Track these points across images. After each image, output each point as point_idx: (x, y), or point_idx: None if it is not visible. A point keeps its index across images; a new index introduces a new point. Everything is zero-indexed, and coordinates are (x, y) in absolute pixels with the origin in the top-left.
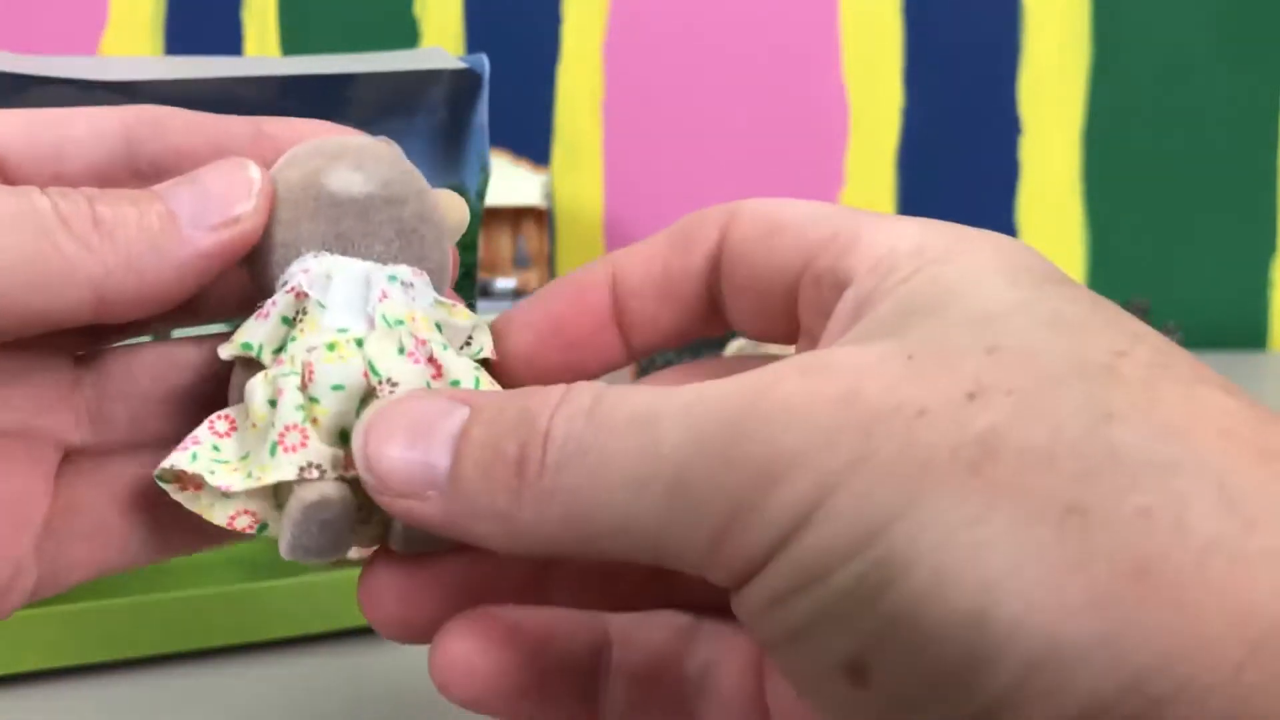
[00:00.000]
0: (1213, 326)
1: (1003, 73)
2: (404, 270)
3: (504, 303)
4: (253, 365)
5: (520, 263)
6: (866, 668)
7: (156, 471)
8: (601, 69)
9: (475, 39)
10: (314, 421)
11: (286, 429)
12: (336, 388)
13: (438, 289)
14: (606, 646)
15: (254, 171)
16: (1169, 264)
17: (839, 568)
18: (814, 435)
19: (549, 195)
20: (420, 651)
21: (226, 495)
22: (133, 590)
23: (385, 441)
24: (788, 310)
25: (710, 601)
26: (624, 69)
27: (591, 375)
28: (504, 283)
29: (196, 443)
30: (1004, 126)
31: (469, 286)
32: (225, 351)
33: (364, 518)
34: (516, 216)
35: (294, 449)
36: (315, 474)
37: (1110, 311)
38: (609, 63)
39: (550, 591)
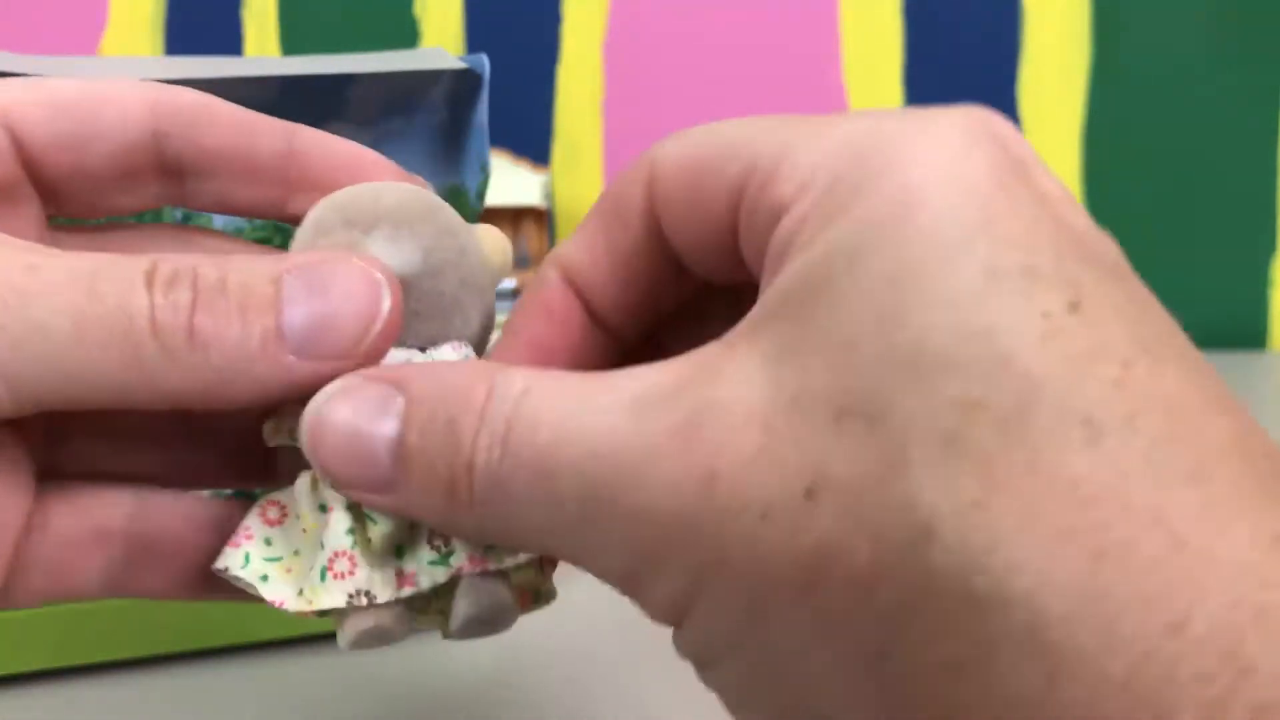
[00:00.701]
0: (1213, 326)
1: (1003, 73)
2: (446, 351)
3: (504, 302)
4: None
5: (520, 263)
6: None
7: (214, 569)
8: (601, 69)
9: (475, 39)
10: (366, 542)
11: (335, 555)
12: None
13: (480, 348)
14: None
15: (386, 300)
16: (1169, 264)
17: (720, 663)
18: (683, 528)
19: (549, 195)
20: (420, 652)
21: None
22: None
23: (331, 455)
24: (729, 244)
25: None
26: (624, 69)
27: (611, 367)
28: (504, 283)
29: (250, 537)
30: None
31: None
32: (272, 440)
33: (421, 607)
34: (516, 216)
35: (343, 576)
36: (364, 600)
37: (1046, 246)
38: (609, 63)
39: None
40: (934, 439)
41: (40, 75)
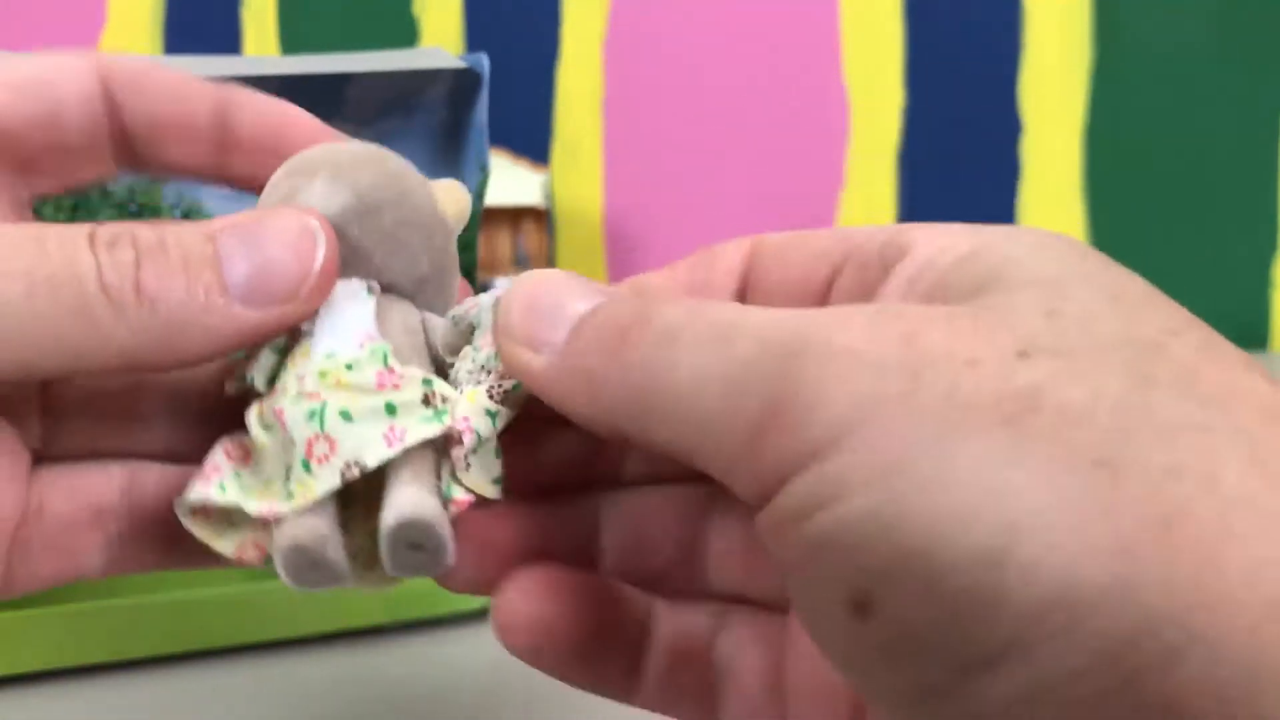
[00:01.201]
0: (1213, 327)
1: (1003, 73)
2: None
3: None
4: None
5: (520, 262)
6: (871, 600)
7: (178, 501)
8: (601, 69)
9: (475, 39)
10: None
11: (310, 441)
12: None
13: (437, 291)
14: (650, 623)
15: (321, 245)
16: (1169, 264)
17: (861, 492)
18: (866, 366)
19: (549, 195)
20: (420, 651)
21: (233, 525)
22: (133, 590)
23: (527, 302)
24: (818, 301)
25: (737, 589)
26: (624, 69)
27: None
28: (503, 282)
29: (219, 471)
30: (1004, 126)
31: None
32: (231, 389)
33: (354, 551)
34: (516, 216)
35: (325, 459)
36: (355, 471)
37: (1163, 298)
38: (609, 63)
39: (598, 561)
40: (1153, 335)
41: None
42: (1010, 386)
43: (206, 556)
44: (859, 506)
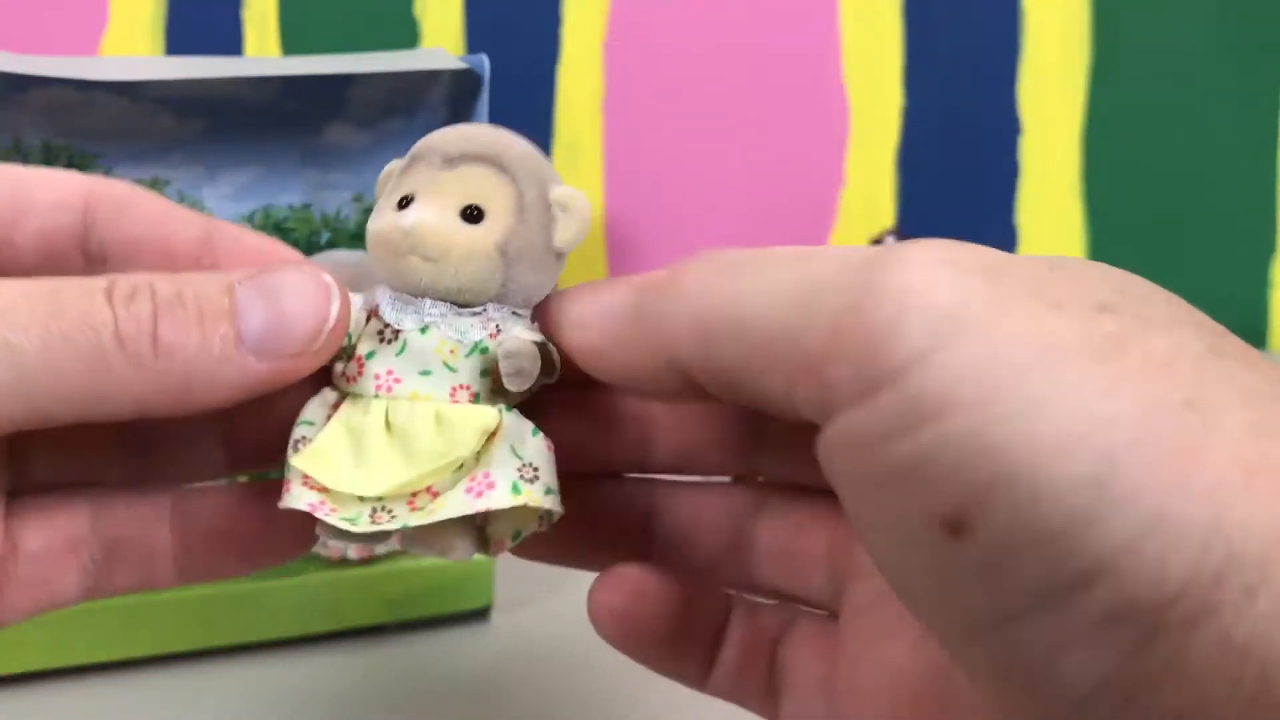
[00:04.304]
0: None
1: (1003, 73)
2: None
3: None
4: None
5: None
6: (968, 520)
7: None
8: (601, 69)
9: (475, 39)
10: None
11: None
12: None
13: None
14: (729, 619)
15: (335, 301)
16: (1169, 264)
17: (959, 412)
18: (955, 289)
19: None
20: (419, 651)
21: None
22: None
23: (573, 295)
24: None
25: (783, 587)
26: (624, 69)
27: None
28: None
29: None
30: (1004, 127)
31: None
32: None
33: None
34: None
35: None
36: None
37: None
38: (609, 63)
39: (649, 548)
40: (1210, 325)
41: (40, 75)
42: (1096, 330)
43: (182, 578)
44: (959, 426)
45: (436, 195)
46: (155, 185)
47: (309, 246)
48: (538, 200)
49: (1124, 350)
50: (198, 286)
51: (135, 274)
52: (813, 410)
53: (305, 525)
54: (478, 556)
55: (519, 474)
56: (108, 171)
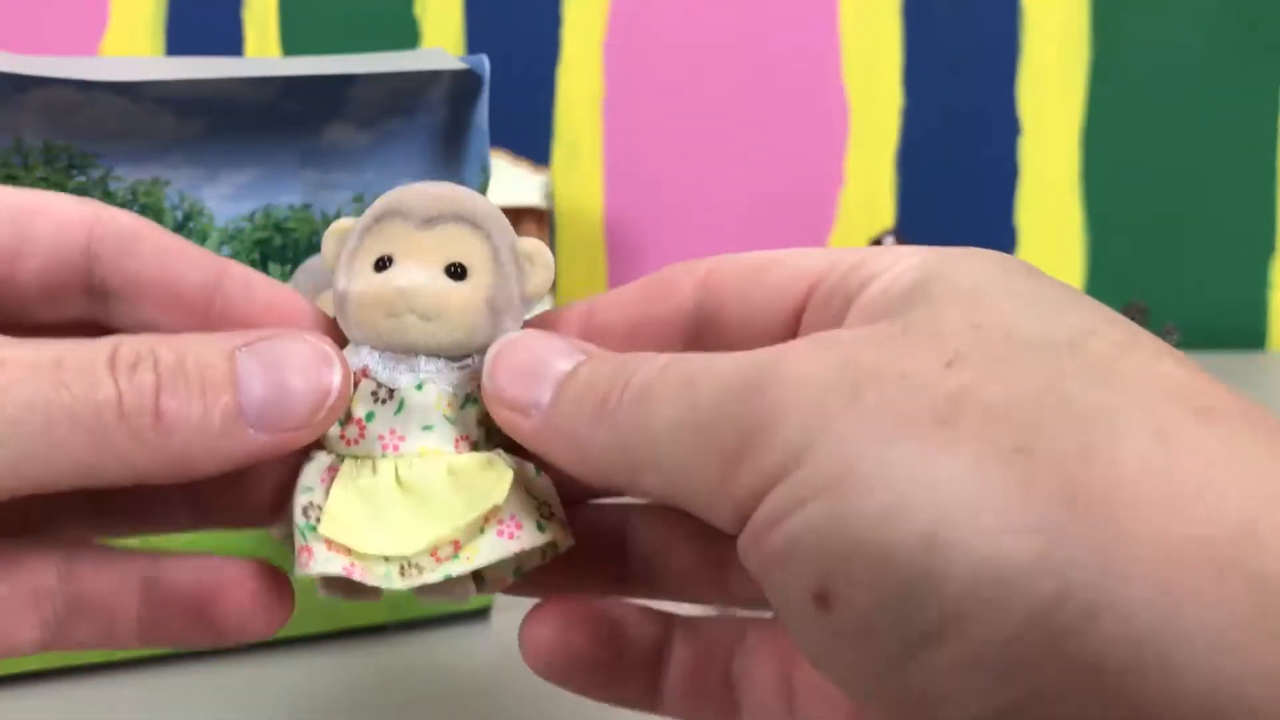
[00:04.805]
0: (1212, 327)
1: (1003, 73)
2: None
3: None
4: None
5: None
6: (832, 592)
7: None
8: (601, 69)
9: (475, 39)
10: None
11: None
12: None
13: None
14: (670, 640)
15: (336, 373)
16: (1169, 264)
17: (818, 497)
18: (813, 391)
19: (549, 195)
20: (419, 651)
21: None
22: None
23: (510, 366)
24: (784, 337)
25: (759, 597)
26: (624, 69)
27: None
28: None
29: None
30: (1004, 127)
31: None
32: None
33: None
34: (516, 217)
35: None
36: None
37: (1086, 301)
38: (609, 63)
39: (626, 564)
40: (1070, 336)
41: (40, 75)
42: (939, 392)
43: (144, 643)
44: (817, 510)
45: (419, 255)
46: (155, 185)
47: (309, 247)
48: (509, 253)
49: (962, 407)
50: (199, 352)
51: (138, 338)
52: (725, 523)
53: (278, 601)
54: (474, 596)
55: (539, 512)
56: (108, 171)
